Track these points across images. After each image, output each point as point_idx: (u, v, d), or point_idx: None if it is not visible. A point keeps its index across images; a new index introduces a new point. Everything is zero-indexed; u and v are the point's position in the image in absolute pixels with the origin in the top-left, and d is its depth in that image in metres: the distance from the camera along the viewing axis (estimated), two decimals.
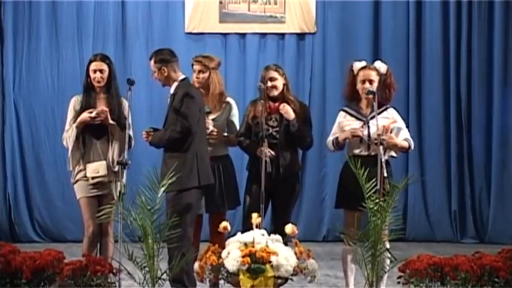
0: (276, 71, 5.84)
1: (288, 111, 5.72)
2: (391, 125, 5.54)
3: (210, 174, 5.57)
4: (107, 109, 5.64)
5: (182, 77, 5.58)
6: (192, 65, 5.91)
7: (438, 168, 9.39)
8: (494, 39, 9.29)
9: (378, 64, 5.74)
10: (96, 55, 5.85)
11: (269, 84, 5.78)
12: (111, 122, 5.65)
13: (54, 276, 4.59)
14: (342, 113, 5.75)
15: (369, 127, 5.56)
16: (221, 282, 4.76)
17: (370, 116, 5.60)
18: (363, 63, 5.74)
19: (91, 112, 5.62)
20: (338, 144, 5.67)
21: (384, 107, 5.67)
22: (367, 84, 5.60)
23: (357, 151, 5.59)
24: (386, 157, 5.48)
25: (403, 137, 5.61)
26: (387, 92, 5.72)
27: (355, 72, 5.70)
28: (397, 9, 9.41)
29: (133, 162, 5.54)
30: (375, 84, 5.62)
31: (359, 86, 5.65)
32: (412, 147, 5.69)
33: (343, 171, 5.69)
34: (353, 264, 5.59)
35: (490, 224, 9.23)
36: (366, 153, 5.55)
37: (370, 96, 5.53)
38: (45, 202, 9.20)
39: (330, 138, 5.75)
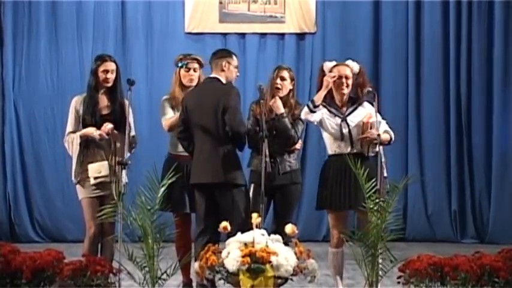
0: (289, 72, 5.85)
1: (278, 105, 5.70)
2: (369, 120, 5.51)
3: (202, 173, 5.47)
4: (112, 127, 5.62)
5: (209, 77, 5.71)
6: (186, 64, 5.87)
7: (438, 168, 9.40)
8: (494, 39, 9.30)
9: (350, 63, 5.68)
10: (104, 56, 5.76)
11: (278, 81, 5.77)
12: (115, 132, 5.64)
13: (54, 276, 4.58)
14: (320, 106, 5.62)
15: (347, 124, 5.55)
16: (221, 282, 4.75)
17: (347, 113, 5.58)
18: (334, 63, 5.70)
19: (98, 129, 5.61)
20: (314, 103, 5.53)
21: (358, 103, 5.62)
22: (343, 80, 5.56)
23: (338, 150, 5.57)
24: (371, 153, 5.48)
25: (383, 129, 5.57)
26: (359, 90, 5.65)
27: (327, 72, 5.64)
28: (396, 9, 9.42)
29: (133, 162, 5.54)
30: (350, 81, 5.58)
31: (336, 81, 5.56)
32: (393, 137, 5.65)
33: (323, 172, 5.66)
34: (342, 266, 5.61)
35: (490, 224, 9.24)
36: (348, 150, 5.52)
37: (370, 95, 5.54)
38: (45, 202, 9.21)
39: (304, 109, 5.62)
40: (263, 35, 9.43)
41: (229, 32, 9.39)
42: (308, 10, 9.39)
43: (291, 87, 5.84)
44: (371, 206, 4.89)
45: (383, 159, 5.29)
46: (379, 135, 5.37)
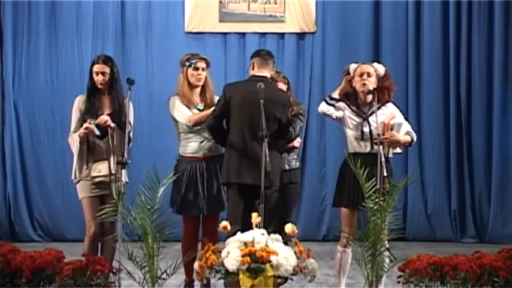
0: (280, 79, 5.88)
1: None
2: (390, 121, 5.50)
3: (246, 173, 5.44)
4: (107, 118, 5.62)
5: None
6: (194, 63, 5.86)
7: (438, 167, 9.40)
8: (494, 39, 9.30)
9: (376, 65, 5.69)
10: (99, 57, 5.80)
11: None
12: (111, 124, 5.64)
13: (54, 275, 4.57)
14: (342, 103, 5.65)
15: (369, 124, 5.54)
16: (221, 281, 4.75)
17: (370, 113, 5.58)
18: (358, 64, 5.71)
19: (91, 124, 5.61)
20: (331, 97, 5.60)
21: (381, 103, 5.61)
22: (365, 76, 5.56)
23: (358, 149, 5.56)
24: (390, 155, 5.47)
25: (405, 131, 5.57)
26: (385, 93, 5.65)
27: (351, 72, 5.64)
28: (396, 9, 9.42)
29: (133, 162, 5.54)
30: (373, 79, 5.56)
31: (356, 79, 5.58)
32: (415, 139, 5.64)
33: (342, 169, 5.65)
34: (346, 266, 5.60)
35: (490, 223, 9.24)
36: (368, 150, 5.52)
37: (370, 95, 5.52)
38: (45, 201, 9.20)
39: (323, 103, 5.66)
40: (263, 34, 9.43)
41: (229, 32, 9.39)
42: (308, 10, 9.39)
43: (286, 86, 5.89)
44: (371, 206, 4.90)
45: (383, 159, 5.29)
46: (379, 134, 5.36)
